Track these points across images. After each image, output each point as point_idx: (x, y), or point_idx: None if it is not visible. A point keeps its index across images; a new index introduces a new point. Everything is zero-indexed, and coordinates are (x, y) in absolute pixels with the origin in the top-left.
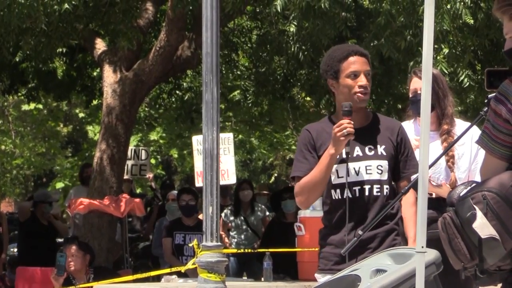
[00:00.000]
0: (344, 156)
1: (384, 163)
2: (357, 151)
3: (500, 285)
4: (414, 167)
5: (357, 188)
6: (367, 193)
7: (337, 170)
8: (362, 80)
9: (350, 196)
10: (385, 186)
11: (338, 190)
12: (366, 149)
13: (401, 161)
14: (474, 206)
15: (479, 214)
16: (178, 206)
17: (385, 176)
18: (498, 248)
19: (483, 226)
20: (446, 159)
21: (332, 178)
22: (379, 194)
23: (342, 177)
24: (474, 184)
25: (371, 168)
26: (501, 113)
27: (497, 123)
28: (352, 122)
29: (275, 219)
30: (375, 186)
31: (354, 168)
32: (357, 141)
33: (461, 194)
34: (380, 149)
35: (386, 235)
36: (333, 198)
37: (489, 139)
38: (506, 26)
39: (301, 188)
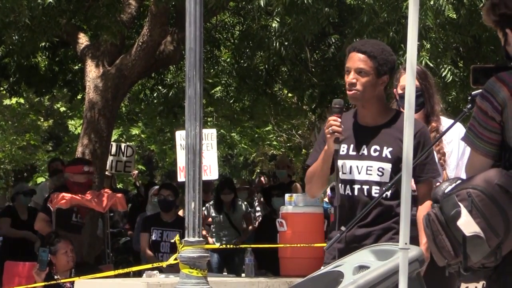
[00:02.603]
0: (341, 152)
1: (387, 166)
2: (363, 149)
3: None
4: (433, 171)
5: (356, 187)
6: (365, 193)
7: (342, 166)
8: (349, 76)
9: (350, 193)
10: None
11: (342, 186)
12: (372, 149)
13: (417, 165)
14: (459, 203)
15: (464, 211)
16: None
17: (386, 179)
18: (483, 246)
19: (467, 224)
20: (438, 157)
21: (340, 173)
22: (377, 195)
23: (346, 173)
24: (459, 181)
25: (372, 169)
26: (487, 110)
27: (482, 120)
28: (339, 120)
29: (268, 215)
30: (373, 187)
31: (357, 166)
32: (366, 139)
33: (446, 191)
34: (386, 151)
35: (382, 232)
36: (339, 192)
37: (475, 136)
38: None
39: (306, 177)
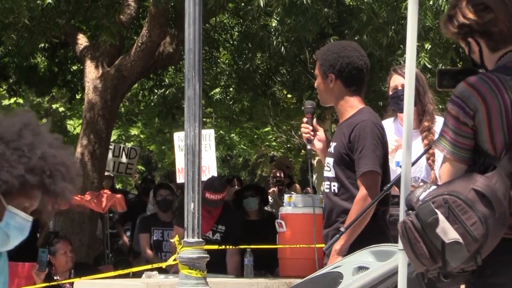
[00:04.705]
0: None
1: (331, 161)
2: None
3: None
4: (363, 166)
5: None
6: (322, 189)
7: None
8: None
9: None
10: (333, 184)
11: None
12: (330, 146)
13: (355, 159)
14: (436, 210)
15: (441, 218)
16: (155, 201)
17: (332, 174)
18: (462, 252)
19: (446, 231)
20: (427, 157)
21: None
22: (328, 190)
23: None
24: (433, 187)
25: (326, 165)
26: (458, 116)
27: (454, 126)
28: (305, 120)
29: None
30: (325, 182)
31: (326, 164)
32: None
33: (420, 198)
34: (332, 147)
35: (335, 233)
36: None
37: (448, 142)
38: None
39: None
